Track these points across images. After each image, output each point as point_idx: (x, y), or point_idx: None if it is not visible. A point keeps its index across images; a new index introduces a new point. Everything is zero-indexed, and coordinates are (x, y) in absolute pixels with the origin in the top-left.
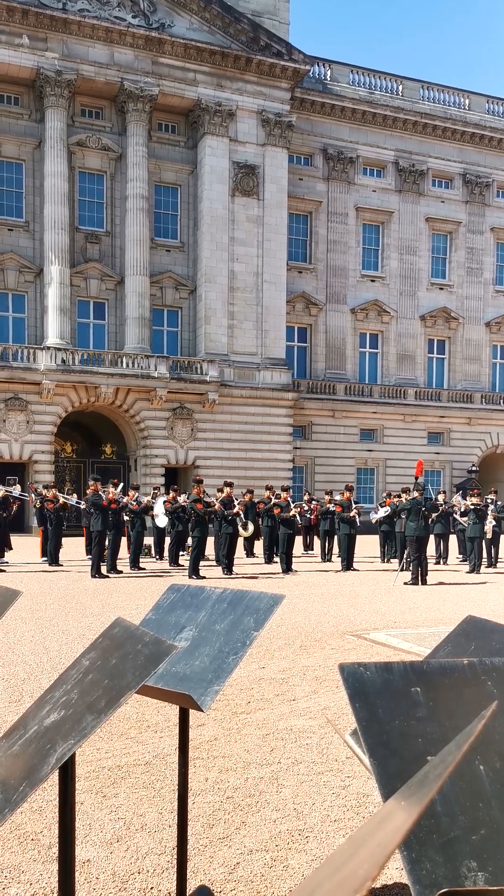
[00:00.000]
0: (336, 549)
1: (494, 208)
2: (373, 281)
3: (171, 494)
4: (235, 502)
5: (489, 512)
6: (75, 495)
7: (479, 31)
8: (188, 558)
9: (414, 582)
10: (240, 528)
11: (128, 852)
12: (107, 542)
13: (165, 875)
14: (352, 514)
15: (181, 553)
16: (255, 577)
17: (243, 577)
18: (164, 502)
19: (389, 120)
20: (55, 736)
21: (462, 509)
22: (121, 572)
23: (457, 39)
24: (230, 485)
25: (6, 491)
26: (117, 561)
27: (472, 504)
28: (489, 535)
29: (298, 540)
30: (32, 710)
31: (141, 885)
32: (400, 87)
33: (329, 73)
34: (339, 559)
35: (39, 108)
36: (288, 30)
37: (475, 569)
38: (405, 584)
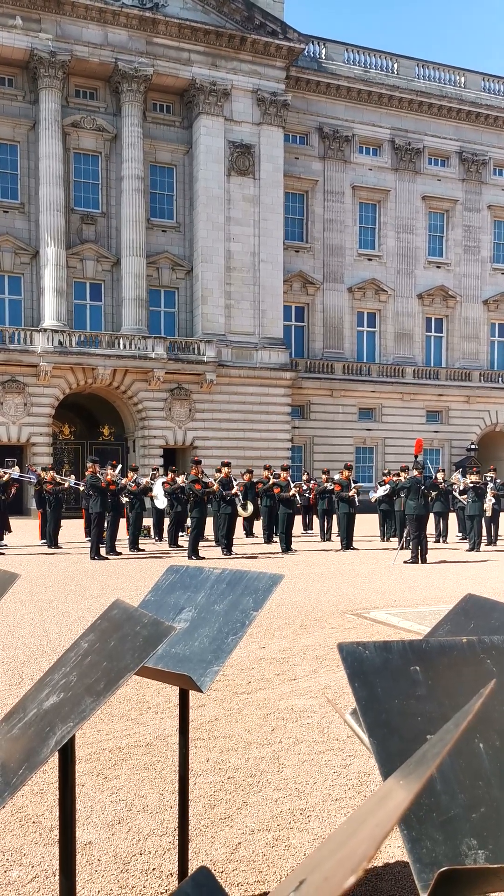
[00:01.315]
0: (335, 529)
1: (491, 186)
2: (370, 260)
3: (170, 475)
4: (234, 482)
5: (488, 490)
6: (73, 476)
7: (475, 8)
8: (187, 539)
9: (414, 560)
10: (239, 509)
11: (129, 834)
12: (106, 524)
13: (167, 856)
14: (350, 493)
15: (180, 534)
16: (255, 557)
17: (242, 557)
18: (163, 483)
19: (385, 98)
20: (55, 718)
21: (461, 487)
22: (120, 554)
23: (453, 17)
24: (228, 465)
25: (8, 473)
26: (116, 542)
27: (471, 482)
28: (489, 513)
29: (298, 519)
30: (32, 693)
31: (142, 867)
32: (395, 66)
33: (324, 51)
34: (339, 538)
35: (34, 90)
36: (282, 8)
37: (475, 547)
38: (405, 562)
